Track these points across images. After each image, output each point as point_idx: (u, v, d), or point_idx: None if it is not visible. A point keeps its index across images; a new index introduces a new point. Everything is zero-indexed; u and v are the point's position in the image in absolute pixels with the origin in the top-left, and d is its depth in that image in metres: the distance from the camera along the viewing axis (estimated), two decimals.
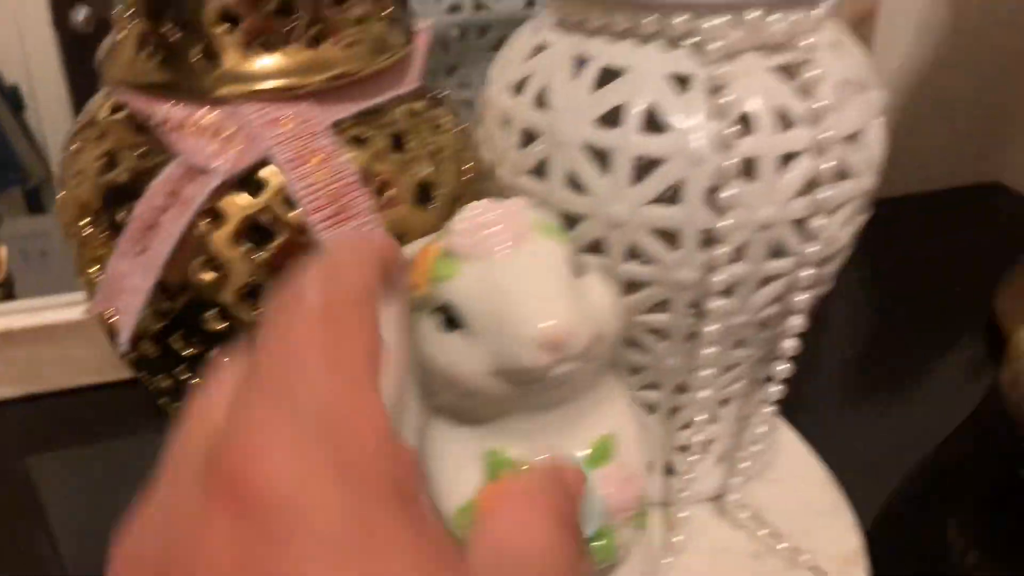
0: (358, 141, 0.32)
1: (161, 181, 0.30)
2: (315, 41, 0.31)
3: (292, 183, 0.30)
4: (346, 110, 0.32)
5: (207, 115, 0.30)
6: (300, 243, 0.30)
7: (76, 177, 0.33)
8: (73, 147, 0.33)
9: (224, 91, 0.30)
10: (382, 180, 0.32)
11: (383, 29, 0.33)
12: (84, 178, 0.32)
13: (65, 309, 0.50)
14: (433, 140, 0.34)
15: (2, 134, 0.68)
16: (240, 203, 0.30)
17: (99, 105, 0.33)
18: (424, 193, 0.33)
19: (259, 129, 0.30)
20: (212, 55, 0.30)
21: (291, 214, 0.30)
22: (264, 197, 0.30)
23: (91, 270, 0.34)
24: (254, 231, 0.30)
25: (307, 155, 0.30)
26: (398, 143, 0.33)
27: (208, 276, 0.31)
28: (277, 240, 0.30)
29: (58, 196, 0.34)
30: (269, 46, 0.30)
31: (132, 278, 0.30)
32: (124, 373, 0.50)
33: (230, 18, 0.30)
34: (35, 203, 0.71)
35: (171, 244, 0.29)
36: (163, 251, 0.29)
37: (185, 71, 0.30)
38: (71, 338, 0.49)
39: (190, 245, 0.30)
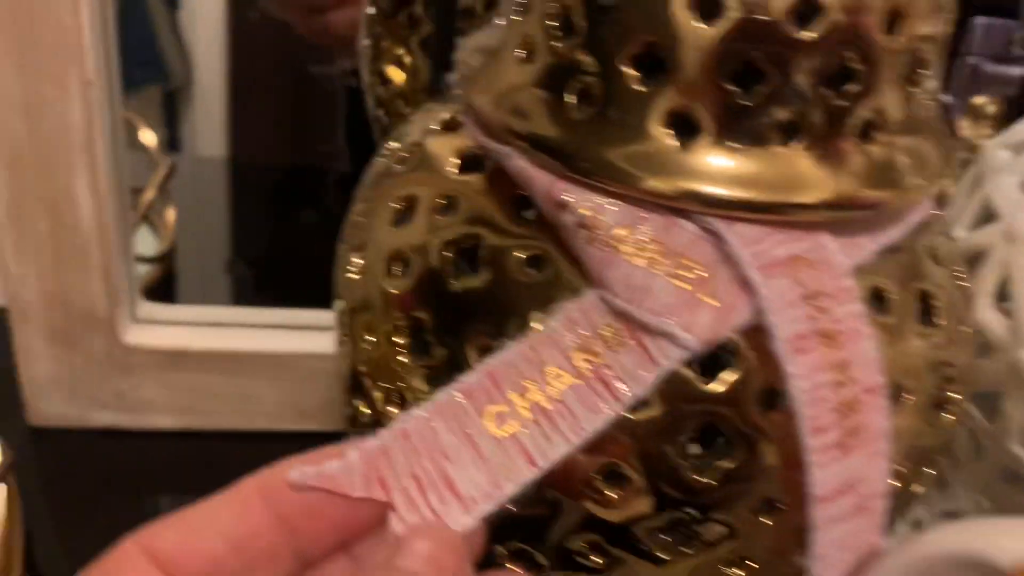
0: (879, 301, 0.19)
1: (559, 324, 0.17)
2: (832, 141, 0.17)
3: (789, 377, 0.17)
4: (867, 246, 0.19)
5: (664, 228, 0.17)
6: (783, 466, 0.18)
7: (376, 256, 0.20)
8: (366, 202, 0.21)
9: (675, 188, 0.17)
10: (895, 373, 0.19)
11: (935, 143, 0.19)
12: (396, 261, 0.20)
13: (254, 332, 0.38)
14: (958, 305, 0.21)
15: (151, 28, 0.59)
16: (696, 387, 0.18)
17: (441, 146, 0.21)
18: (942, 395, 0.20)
19: (750, 271, 0.17)
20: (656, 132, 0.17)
21: (766, 418, 0.18)
22: (730, 380, 0.18)
23: (361, 366, 0.22)
24: (708, 432, 0.18)
25: (823, 332, 0.17)
26: (926, 310, 0.19)
27: (609, 494, 0.18)
28: (738, 453, 0.18)
29: (340, 272, 0.22)
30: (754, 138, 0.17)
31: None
32: (310, 424, 0.39)
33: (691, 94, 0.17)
34: (172, 107, 0.62)
35: (560, 452, 0.17)
36: (549, 456, 0.17)
37: (614, 141, 0.17)
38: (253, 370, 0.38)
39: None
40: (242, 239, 0.58)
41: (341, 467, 0.17)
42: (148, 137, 0.53)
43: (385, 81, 0.45)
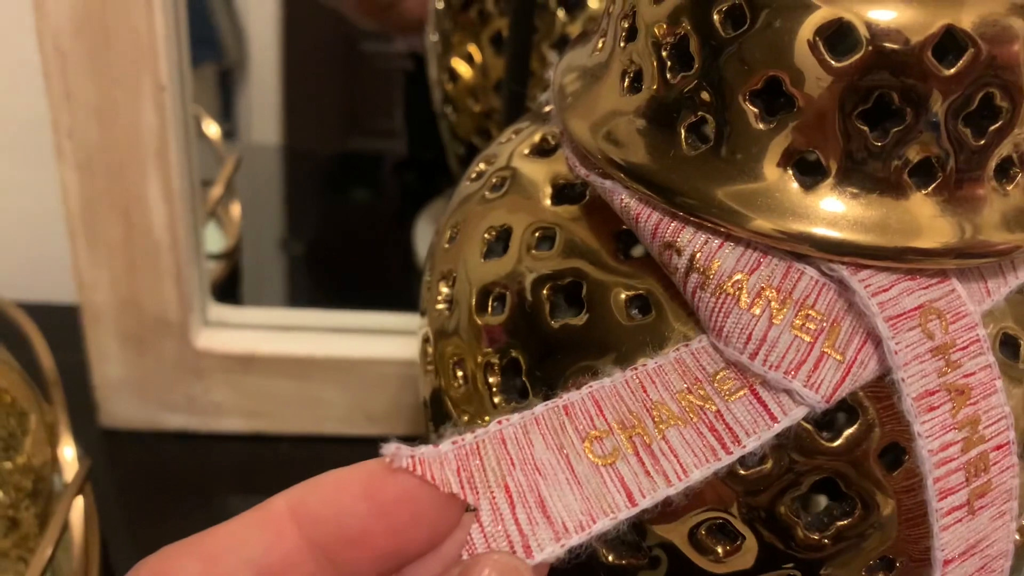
0: (1007, 347, 0.18)
1: (669, 364, 0.17)
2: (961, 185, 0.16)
3: (917, 437, 0.16)
4: (998, 290, 0.17)
5: (783, 274, 0.16)
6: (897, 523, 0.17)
7: (466, 287, 0.20)
8: (453, 229, 0.20)
9: (785, 230, 0.16)
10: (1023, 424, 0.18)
11: None
12: (488, 295, 0.19)
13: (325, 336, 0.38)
14: None
15: (205, 4, 0.58)
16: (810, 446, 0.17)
17: (536, 173, 0.20)
18: None
19: (878, 322, 0.16)
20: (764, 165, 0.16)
21: (887, 474, 0.17)
22: (850, 435, 0.17)
23: (448, 397, 0.21)
24: (820, 486, 0.17)
25: (952, 388, 0.16)
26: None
27: (715, 548, 0.17)
28: (855, 510, 0.17)
29: (427, 303, 0.21)
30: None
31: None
32: (379, 428, 0.39)
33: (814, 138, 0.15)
34: (228, 86, 0.62)
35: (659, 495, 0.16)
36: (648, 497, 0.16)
37: (721, 177, 0.16)
38: (323, 374, 0.37)
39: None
40: (302, 231, 0.58)
41: (435, 456, 0.15)
42: (211, 129, 0.53)
43: (454, 77, 0.44)
